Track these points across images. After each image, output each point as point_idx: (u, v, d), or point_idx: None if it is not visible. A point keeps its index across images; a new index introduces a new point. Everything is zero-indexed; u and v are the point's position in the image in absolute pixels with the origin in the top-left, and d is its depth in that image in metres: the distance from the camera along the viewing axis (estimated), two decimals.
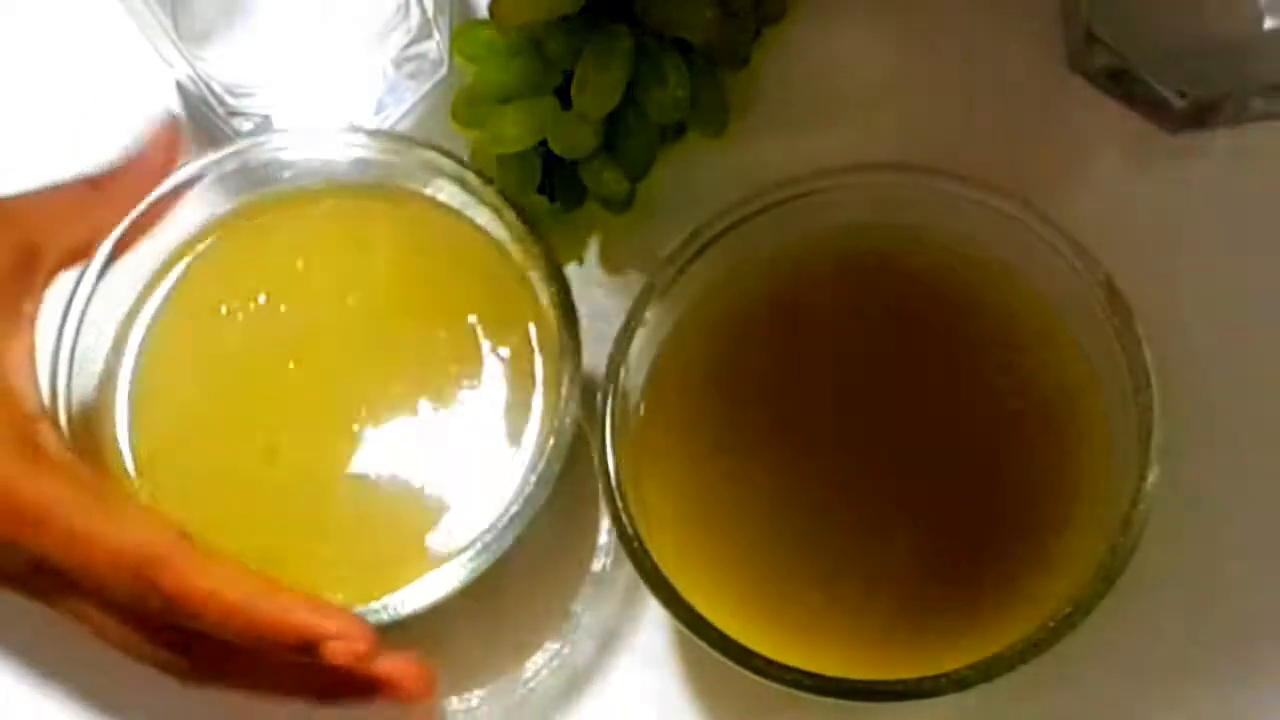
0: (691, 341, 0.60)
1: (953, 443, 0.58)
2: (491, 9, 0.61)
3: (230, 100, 0.64)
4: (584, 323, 0.62)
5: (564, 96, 0.61)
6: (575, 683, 0.60)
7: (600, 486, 0.57)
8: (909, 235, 0.60)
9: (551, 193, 0.62)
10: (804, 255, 0.60)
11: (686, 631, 0.55)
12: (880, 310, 0.60)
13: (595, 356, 0.58)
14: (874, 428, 0.58)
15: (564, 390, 0.57)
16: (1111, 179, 0.64)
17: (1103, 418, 0.57)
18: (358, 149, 0.62)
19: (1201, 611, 0.59)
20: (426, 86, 0.66)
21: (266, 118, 0.65)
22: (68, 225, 0.59)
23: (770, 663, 0.54)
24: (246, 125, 0.65)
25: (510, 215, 0.60)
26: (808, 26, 0.66)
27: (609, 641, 0.60)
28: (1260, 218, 0.64)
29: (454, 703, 0.60)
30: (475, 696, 0.60)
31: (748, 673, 0.54)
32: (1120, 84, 0.65)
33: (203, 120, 0.66)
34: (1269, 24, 0.61)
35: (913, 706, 0.54)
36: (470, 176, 0.60)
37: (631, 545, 0.56)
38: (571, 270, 0.64)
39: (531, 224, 0.60)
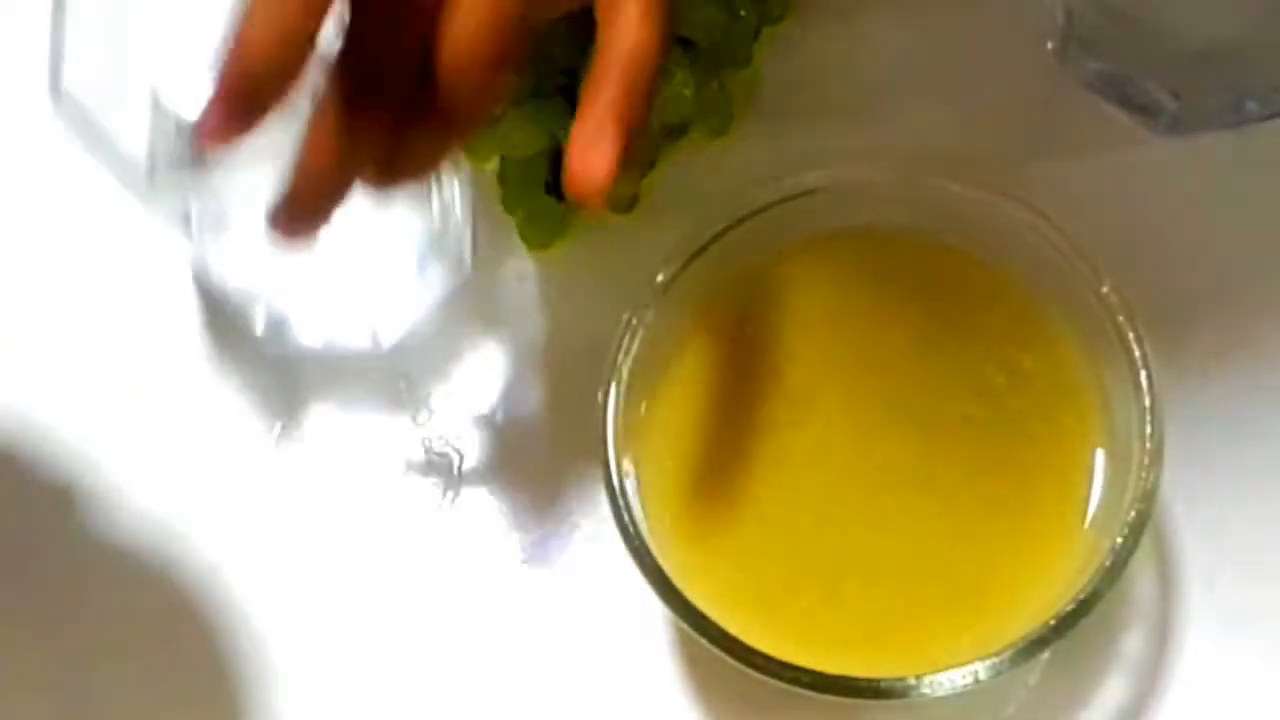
0: (692, 341, 0.60)
1: (953, 442, 0.58)
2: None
3: (246, 298, 0.62)
4: (584, 323, 0.62)
5: (569, 96, 0.61)
6: (575, 681, 0.60)
7: (602, 486, 0.57)
8: (909, 235, 0.60)
9: (558, 192, 0.62)
10: (804, 255, 0.60)
11: (687, 628, 0.55)
12: (880, 310, 0.60)
13: (595, 357, 0.58)
14: (874, 426, 0.58)
15: None
16: (1109, 180, 0.65)
17: (1103, 418, 0.57)
18: None
19: (1202, 610, 0.59)
20: (450, 288, 0.63)
21: (285, 316, 0.62)
22: None
23: (770, 660, 0.54)
24: (260, 324, 0.62)
25: None
26: (809, 26, 0.66)
27: (608, 639, 0.60)
28: (1258, 219, 0.64)
29: (451, 700, 0.61)
30: (473, 695, 0.60)
31: (748, 670, 0.54)
32: (1114, 87, 0.65)
33: (218, 315, 0.64)
34: (1263, 26, 0.61)
35: (913, 705, 0.54)
36: None
37: (632, 544, 0.56)
38: (573, 270, 0.64)
39: None
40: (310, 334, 0.63)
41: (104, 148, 0.52)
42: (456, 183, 0.61)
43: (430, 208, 0.60)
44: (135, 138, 0.56)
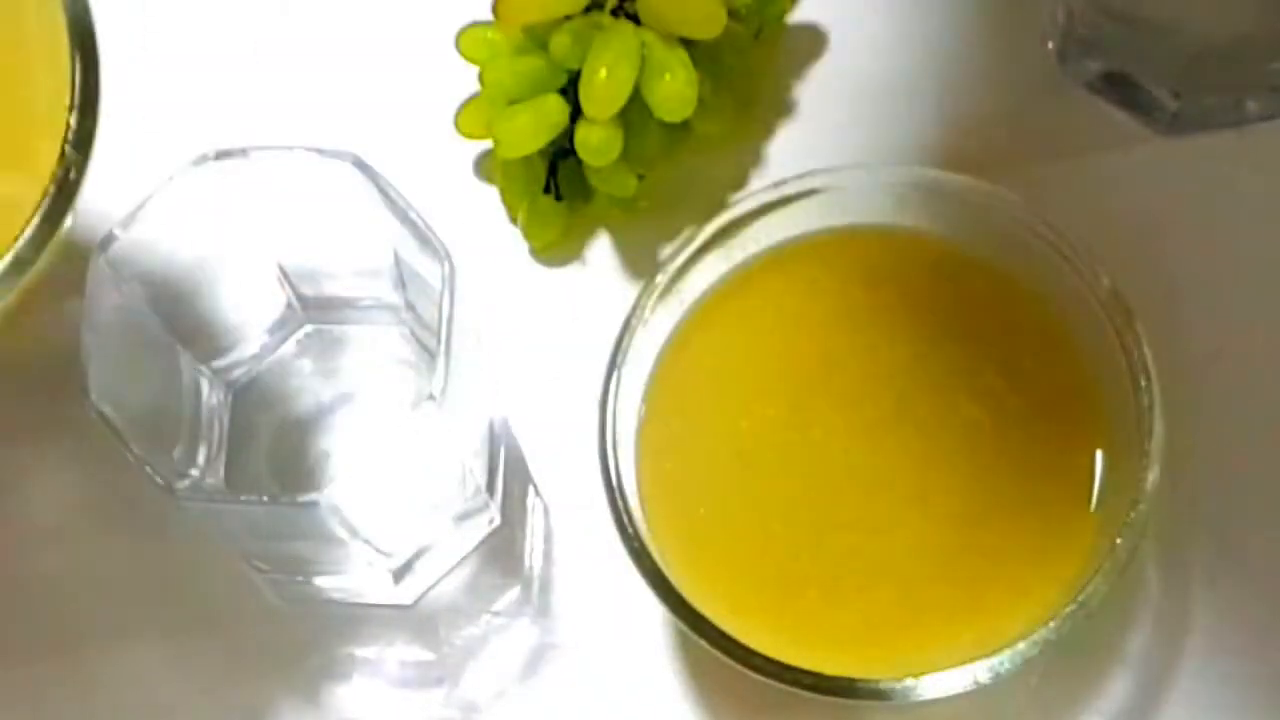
0: (692, 341, 0.60)
1: (953, 442, 0.58)
2: (495, 9, 0.61)
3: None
4: (584, 323, 0.62)
5: (571, 96, 0.61)
6: (574, 683, 0.60)
7: (601, 486, 0.57)
8: (909, 235, 0.60)
9: (557, 191, 0.62)
10: (804, 255, 0.60)
11: (687, 630, 0.55)
12: (880, 310, 0.60)
13: (595, 356, 0.58)
14: (874, 427, 0.58)
15: None
16: (1110, 180, 0.65)
17: (1103, 418, 0.57)
18: None
19: (1203, 610, 0.59)
20: (478, 539, 0.61)
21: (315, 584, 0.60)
22: None
23: (770, 662, 0.54)
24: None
25: None
26: (809, 27, 0.66)
27: (608, 641, 0.60)
28: (1258, 219, 0.64)
29: (449, 705, 0.61)
30: (473, 697, 0.60)
31: (748, 672, 0.54)
32: (1114, 87, 0.65)
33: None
34: (1263, 26, 0.61)
35: (914, 706, 0.54)
36: None
37: (632, 545, 0.56)
38: (572, 269, 0.64)
39: None
40: (334, 589, 0.60)
41: (135, 462, 0.53)
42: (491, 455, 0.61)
43: (463, 480, 0.59)
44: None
